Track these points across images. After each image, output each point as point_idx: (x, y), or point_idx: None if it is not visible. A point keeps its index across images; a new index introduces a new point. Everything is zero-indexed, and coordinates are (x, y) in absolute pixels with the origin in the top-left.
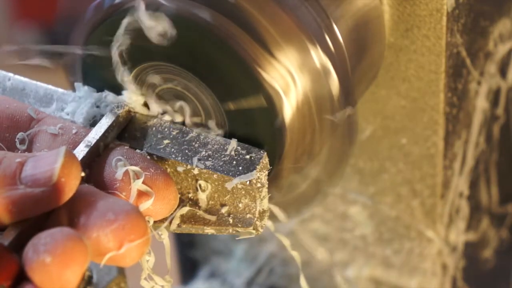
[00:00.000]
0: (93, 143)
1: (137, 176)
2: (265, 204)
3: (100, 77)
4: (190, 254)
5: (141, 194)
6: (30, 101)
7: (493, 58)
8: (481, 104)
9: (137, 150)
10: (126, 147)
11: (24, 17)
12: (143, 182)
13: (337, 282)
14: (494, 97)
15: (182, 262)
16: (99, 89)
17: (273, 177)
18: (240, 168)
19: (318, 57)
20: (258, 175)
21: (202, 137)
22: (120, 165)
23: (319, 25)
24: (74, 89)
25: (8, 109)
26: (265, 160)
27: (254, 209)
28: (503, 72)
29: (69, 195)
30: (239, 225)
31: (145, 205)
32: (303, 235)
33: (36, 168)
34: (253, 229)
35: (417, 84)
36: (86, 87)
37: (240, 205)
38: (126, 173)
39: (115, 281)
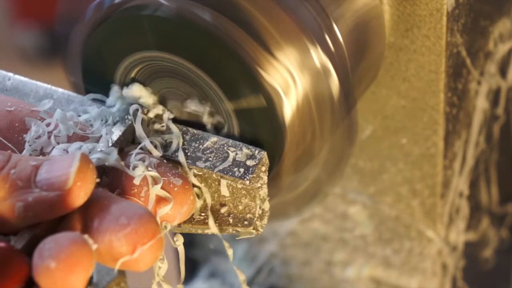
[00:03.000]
0: (108, 147)
1: (155, 181)
2: (266, 204)
3: (100, 77)
4: (190, 254)
5: (159, 199)
6: (30, 100)
7: (493, 58)
8: (481, 104)
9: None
10: (141, 151)
11: (24, 17)
12: (161, 187)
13: (337, 282)
14: (494, 97)
15: None
16: (99, 89)
17: (273, 177)
18: (240, 168)
19: (318, 57)
20: (258, 175)
21: (202, 136)
22: (138, 171)
23: (319, 25)
24: (74, 89)
25: (20, 112)
26: (265, 160)
27: (254, 209)
28: (503, 72)
29: (83, 199)
30: (239, 225)
31: (164, 211)
32: (304, 235)
33: (51, 171)
34: (253, 229)
35: (417, 84)
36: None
37: (240, 205)
38: (144, 178)
39: (115, 281)
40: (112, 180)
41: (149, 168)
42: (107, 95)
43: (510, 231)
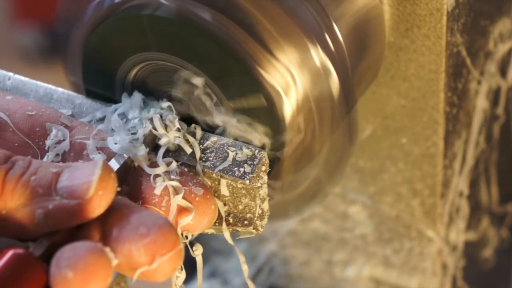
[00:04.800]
0: (128, 155)
1: (176, 191)
2: (265, 203)
3: (100, 77)
4: (190, 254)
5: (180, 209)
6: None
7: (493, 58)
8: (481, 103)
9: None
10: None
11: (24, 17)
12: (183, 197)
13: (337, 282)
14: (494, 96)
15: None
16: (99, 88)
17: (273, 177)
18: (240, 167)
19: (318, 56)
20: (258, 174)
21: (202, 136)
22: (159, 180)
23: (319, 24)
24: (74, 89)
25: (41, 116)
26: (265, 160)
27: (254, 209)
28: (503, 72)
29: (104, 208)
30: (239, 225)
31: (185, 221)
32: (304, 234)
33: (72, 179)
34: (253, 228)
35: (417, 84)
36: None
37: (240, 204)
38: (165, 187)
39: (115, 281)
40: (132, 189)
41: (171, 176)
42: (107, 95)
43: (510, 231)
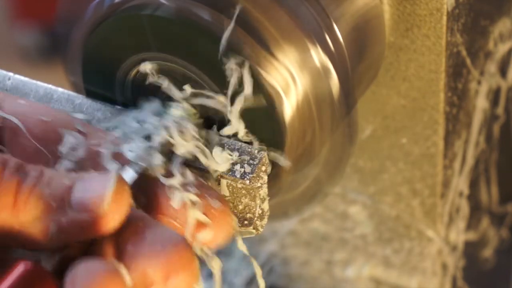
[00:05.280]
0: (141, 166)
1: (193, 204)
2: (265, 203)
3: (100, 77)
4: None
5: (197, 222)
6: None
7: (493, 58)
8: (481, 103)
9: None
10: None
11: (24, 17)
12: (200, 210)
13: (337, 282)
14: (494, 96)
15: None
16: (99, 88)
17: (273, 177)
18: (240, 167)
19: (318, 56)
20: (258, 174)
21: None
22: (175, 192)
23: (319, 24)
24: (74, 89)
25: (55, 122)
26: (265, 160)
27: (254, 209)
28: (503, 72)
29: (118, 222)
30: (239, 225)
31: (202, 235)
32: (304, 234)
33: (86, 192)
34: (253, 228)
35: (417, 84)
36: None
37: (240, 205)
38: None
39: None
40: (147, 199)
41: (188, 187)
42: (107, 95)
43: (510, 231)
